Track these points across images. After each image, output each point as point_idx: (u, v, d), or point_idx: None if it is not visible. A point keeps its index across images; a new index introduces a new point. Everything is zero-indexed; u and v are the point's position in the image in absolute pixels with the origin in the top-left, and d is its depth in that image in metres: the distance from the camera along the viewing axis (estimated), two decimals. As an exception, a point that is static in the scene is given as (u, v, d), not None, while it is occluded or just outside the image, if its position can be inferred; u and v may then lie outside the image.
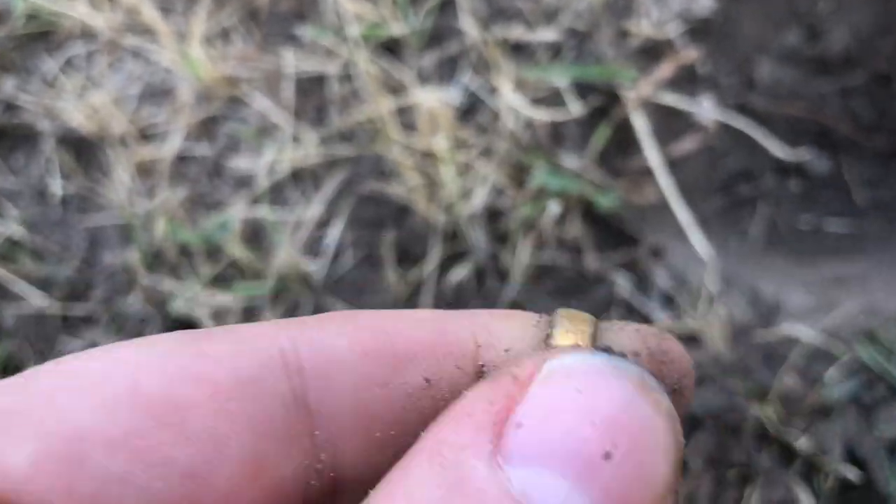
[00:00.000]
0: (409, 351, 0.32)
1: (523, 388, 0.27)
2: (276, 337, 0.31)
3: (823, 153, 1.37)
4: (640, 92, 1.17)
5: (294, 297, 1.16)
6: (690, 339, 1.07)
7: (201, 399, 0.29)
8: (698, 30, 1.29)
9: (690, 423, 0.95)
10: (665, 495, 0.27)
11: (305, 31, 1.30)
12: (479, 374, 0.32)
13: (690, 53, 1.23)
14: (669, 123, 1.25)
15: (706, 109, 1.21)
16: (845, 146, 1.39)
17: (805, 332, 1.05)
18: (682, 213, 1.16)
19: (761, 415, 0.99)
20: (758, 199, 1.34)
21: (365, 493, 0.28)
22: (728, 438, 0.95)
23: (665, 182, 1.17)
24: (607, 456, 0.26)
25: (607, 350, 0.30)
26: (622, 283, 1.13)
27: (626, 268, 1.14)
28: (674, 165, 1.24)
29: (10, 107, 1.32)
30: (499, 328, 0.32)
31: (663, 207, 1.18)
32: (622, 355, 0.29)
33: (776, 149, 1.28)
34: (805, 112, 1.38)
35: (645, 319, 1.10)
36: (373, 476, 0.30)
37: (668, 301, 1.12)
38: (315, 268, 1.18)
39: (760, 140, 1.26)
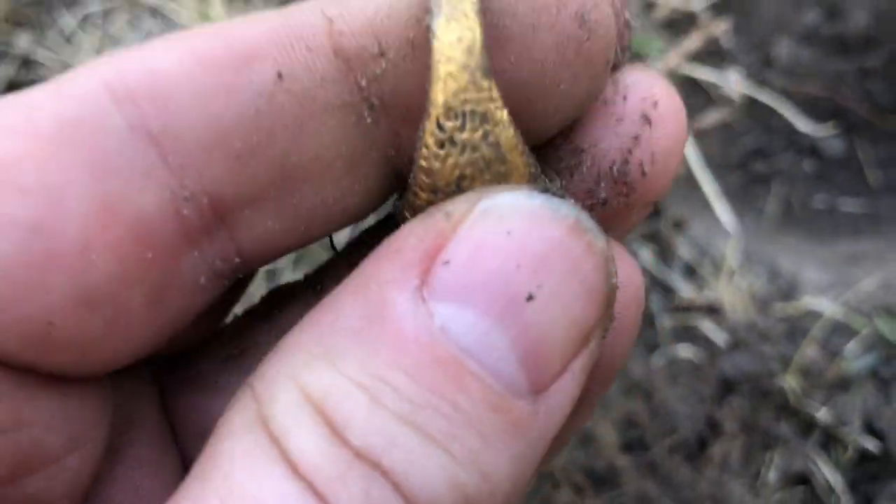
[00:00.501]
0: (251, 48, 0.29)
1: (455, 226, 0.27)
2: (96, 71, 0.28)
3: (839, 133, 1.38)
4: (668, 63, 1.17)
5: (316, 261, 1.16)
6: (712, 310, 1.08)
7: (26, 151, 0.26)
8: (721, 5, 1.29)
9: (725, 387, 0.96)
10: (586, 337, 0.27)
11: None
12: (340, 53, 0.30)
13: (719, 25, 1.23)
14: (691, 97, 1.25)
15: (733, 83, 1.21)
16: (860, 127, 1.39)
17: (827, 306, 1.06)
18: (708, 185, 1.16)
19: (784, 386, 1.00)
20: (773, 177, 1.35)
21: (257, 211, 0.30)
22: (760, 404, 0.96)
23: (690, 154, 1.17)
24: (530, 297, 0.26)
25: (545, 191, 0.28)
26: (644, 254, 1.13)
27: (649, 239, 1.15)
28: (695, 140, 1.24)
29: (27, 62, 1.30)
30: None
31: (685, 180, 1.18)
32: (559, 195, 0.28)
33: (801, 124, 1.28)
34: (822, 91, 1.38)
35: (667, 289, 1.10)
36: (255, 190, 0.30)
37: (690, 272, 1.12)
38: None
39: (786, 114, 1.27)
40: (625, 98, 0.36)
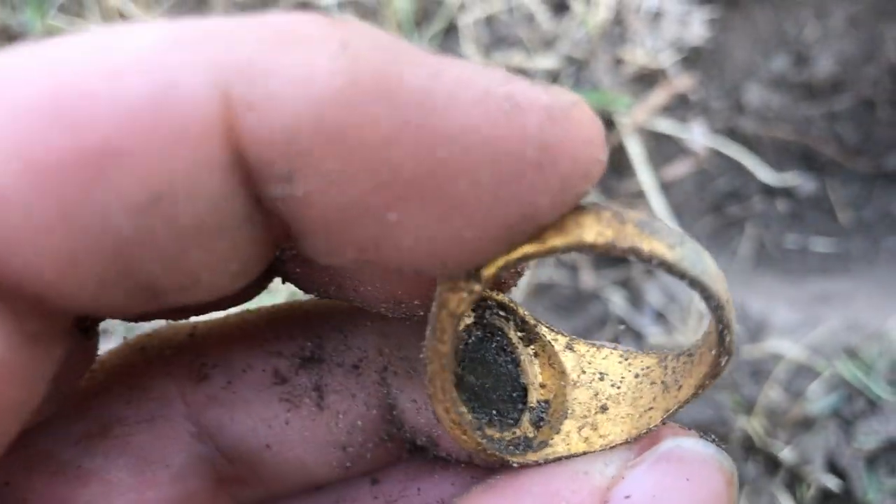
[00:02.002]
0: (106, 145, 0.21)
1: (639, 455, 0.30)
2: None
3: (810, 175, 1.43)
4: (634, 118, 1.23)
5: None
6: (681, 355, 1.12)
7: None
8: (690, 58, 1.34)
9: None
10: None
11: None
12: (237, 153, 0.21)
13: (683, 81, 1.28)
14: (662, 148, 1.31)
15: (697, 135, 1.26)
16: (831, 168, 1.44)
17: (789, 349, 1.11)
18: (674, 234, 1.21)
19: (748, 427, 1.05)
20: (746, 219, 1.40)
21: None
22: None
23: (657, 204, 1.23)
24: None
25: (713, 440, 0.32)
26: (616, 300, 1.18)
27: (621, 285, 1.20)
28: (666, 187, 1.30)
29: None
30: None
31: (656, 228, 1.23)
32: (718, 444, 0.31)
33: (764, 174, 1.33)
34: (792, 135, 1.43)
35: (637, 334, 1.15)
36: (114, 303, 0.24)
37: (660, 317, 1.17)
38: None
39: (749, 166, 1.32)
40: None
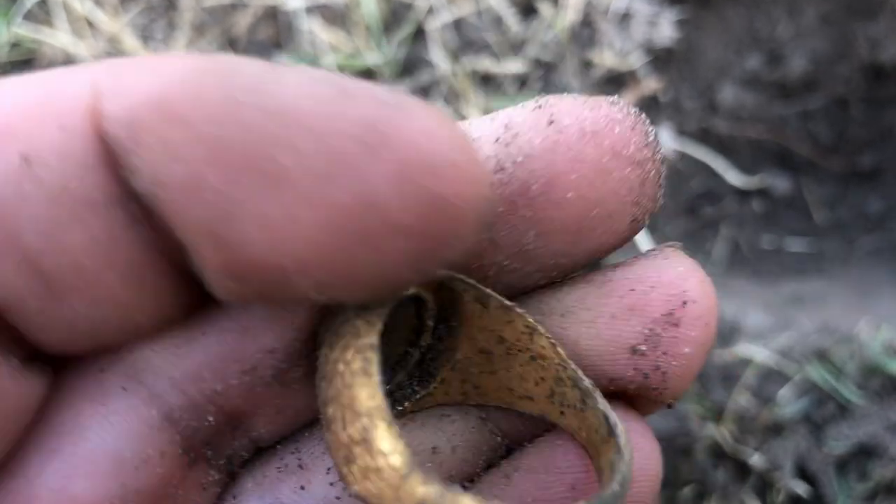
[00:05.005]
0: None
1: None
2: None
3: (784, 174, 1.42)
4: (603, 122, 1.22)
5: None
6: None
7: None
8: (662, 59, 1.34)
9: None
10: None
11: (282, 60, 1.34)
12: (102, 137, 0.24)
13: (651, 84, 1.28)
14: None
15: (665, 139, 1.26)
16: (805, 168, 1.44)
17: (759, 353, 1.10)
18: (643, 239, 1.21)
19: (717, 434, 1.04)
20: (721, 220, 1.39)
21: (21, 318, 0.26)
22: (680, 460, 1.00)
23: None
24: None
25: None
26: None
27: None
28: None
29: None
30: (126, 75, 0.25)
31: (626, 232, 1.22)
32: None
33: (733, 177, 1.33)
34: (766, 134, 1.43)
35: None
36: (9, 296, 0.25)
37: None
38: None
39: (718, 168, 1.31)
40: (652, 287, 0.33)
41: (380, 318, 0.27)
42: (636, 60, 1.26)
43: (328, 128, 0.22)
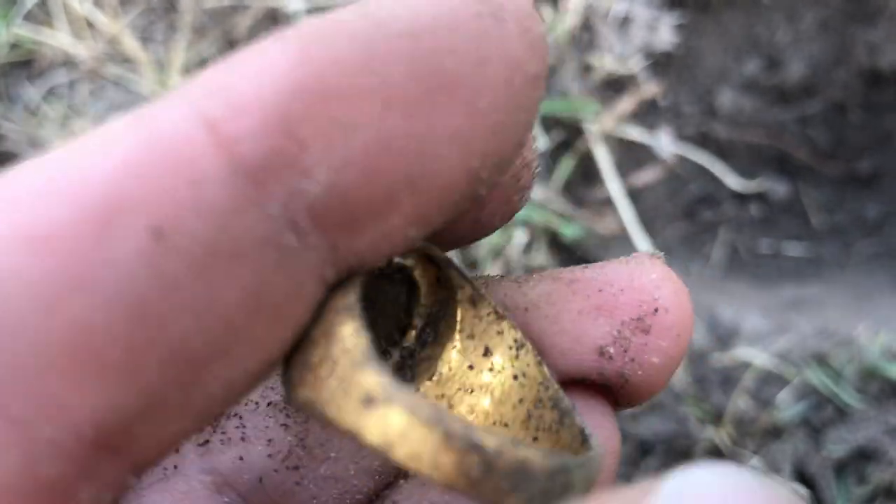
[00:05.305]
0: (103, 201, 0.19)
1: None
2: None
3: (782, 179, 1.43)
4: (602, 125, 1.22)
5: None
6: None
7: None
8: (661, 63, 1.34)
9: (640, 449, 1.00)
10: None
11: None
12: (239, 165, 0.21)
13: (651, 88, 1.28)
14: (631, 154, 1.30)
15: (665, 143, 1.26)
16: (803, 172, 1.44)
17: (758, 356, 1.10)
18: (641, 242, 1.21)
19: (716, 436, 1.04)
20: (719, 224, 1.40)
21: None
22: (679, 462, 1.00)
23: (625, 212, 1.22)
24: None
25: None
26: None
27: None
28: (637, 194, 1.29)
29: (-6, 135, 1.35)
30: None
31: (625, 236, 1.23)
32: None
33: (732, 181, 1.33)
34: (764, 139, 1.43)
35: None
36: (146, 403, 0.21)
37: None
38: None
39: (717, 172, 1.32)
40: (622, 290, 0.32)
41: (357, 283, 0.25)
42: (636, 64, 1.27)
43: (457, 15, 0.23)
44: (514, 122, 0.24)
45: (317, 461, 0.33)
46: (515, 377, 0.32)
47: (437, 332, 0.33)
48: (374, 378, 0.22)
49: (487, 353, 0.32)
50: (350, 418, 0.22)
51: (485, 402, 0.32)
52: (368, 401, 0.22)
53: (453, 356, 0.32)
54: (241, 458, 0.32)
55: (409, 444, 0.21)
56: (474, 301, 0.32)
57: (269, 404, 0.33)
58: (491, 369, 0.32)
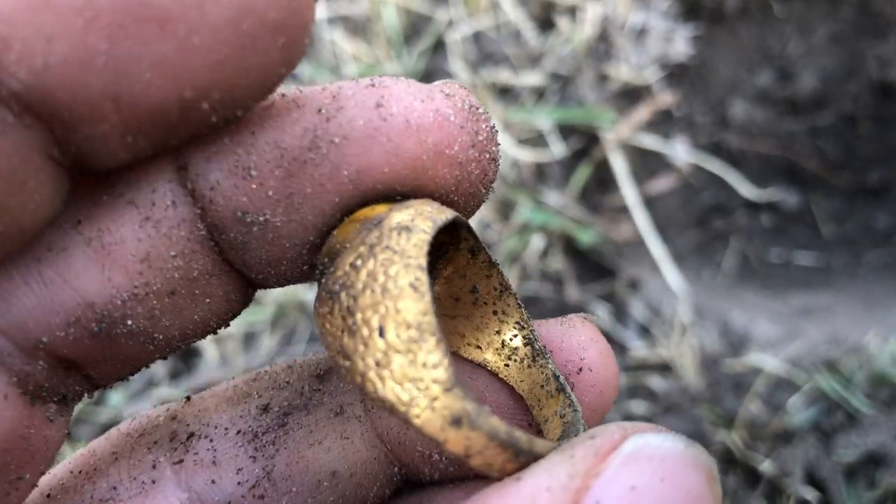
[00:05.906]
0: None
1: (603, 460, 0.27)
2: None
3: (793, 189, 1.45)
4: (618, 134, 1.25)
5: (291, 323, 1.22)
6: (663, 368, 1.14)
7: None
8: (675, 73, 1.36)
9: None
10: None
11: (304, 69, 1.36)
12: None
13: (666, 98, 1.30)
14: (647, 162, 1.32)
15: (680, 151, 1.28)
16: (814, 183, 1.46)
17: (769, 362, 1.12)
18: (656, 249, 1.23)
19: (728, 440, 1.06)
20: (731, 233, 1.42)
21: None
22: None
23: (640, 219, 1.24)
24: None
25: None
26: (601, 314, 1.20)
27: (605, 299, 1.21)
28: (651, 202, 1.32)
29: None
30: None
31: (640, 243, 1.25)
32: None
33: (746, 190, 1.35)
34: (776, 150, 1.45)
35: (622, 348, 1.17)
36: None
37: (644, 331, 1.19)
38: (312, 296, 1.24)
39: (731, 181, 1.34)
40: (551, 351, 0.36)
41: (425, 241, 0.28)
42: (651, 75, 1.29)
43: None
44: (242, 64, 0.26)
45: (280, 493, 0.36)
46: (495, 313, 0.37)
47: (432, 267, 0.37)
48: (460, 404, 0.27)
49: (474, 290, 0.37)
50: (434, 430, 0.27)
51: (462, 327, 0.38)
52: (456, 421, 0.27)
53: (442, 288, 0.37)
54: (213, 482, 0.36)
55: (484, 458, 0.27)
56: (473, 250, 0.36)
57: (238, 432, 0.37)
58: (475, 303, 0.37)
